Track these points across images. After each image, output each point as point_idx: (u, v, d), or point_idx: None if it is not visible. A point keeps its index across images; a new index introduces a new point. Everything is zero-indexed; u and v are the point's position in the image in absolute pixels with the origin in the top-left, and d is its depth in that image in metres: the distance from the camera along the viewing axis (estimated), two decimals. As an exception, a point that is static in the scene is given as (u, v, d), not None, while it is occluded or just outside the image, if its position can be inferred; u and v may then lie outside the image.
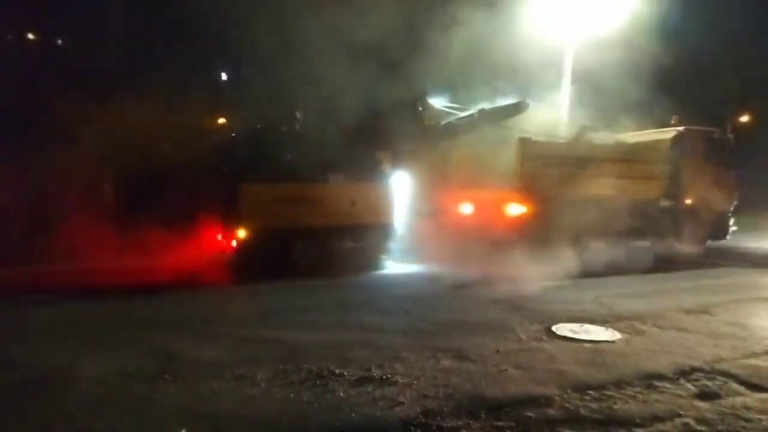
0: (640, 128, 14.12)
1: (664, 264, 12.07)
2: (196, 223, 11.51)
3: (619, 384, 4.72)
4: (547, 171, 11.54)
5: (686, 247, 13.39)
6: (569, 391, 4.55)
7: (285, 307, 7.94)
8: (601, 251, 11.27)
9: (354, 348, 5.64)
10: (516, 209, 11.56)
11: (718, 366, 5.23)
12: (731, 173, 14.05)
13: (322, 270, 10.36)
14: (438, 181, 12.23)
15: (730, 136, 14.30)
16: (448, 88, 13.22)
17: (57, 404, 4.27)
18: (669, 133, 13.49)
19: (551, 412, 4.16)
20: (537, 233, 11.04)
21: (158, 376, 4.81)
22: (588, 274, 10.22)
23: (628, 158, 12.49)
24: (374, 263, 11.33)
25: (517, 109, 12.95)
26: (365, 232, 11.23)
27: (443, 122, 12.55)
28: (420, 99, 12.40)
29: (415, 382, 4.72)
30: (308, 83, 12.30)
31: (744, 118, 25.43)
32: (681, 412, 4.17)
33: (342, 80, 11.54)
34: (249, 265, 10.16)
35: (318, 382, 4.69)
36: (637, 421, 4.01)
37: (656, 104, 14.20)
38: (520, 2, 14.75)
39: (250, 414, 4.10)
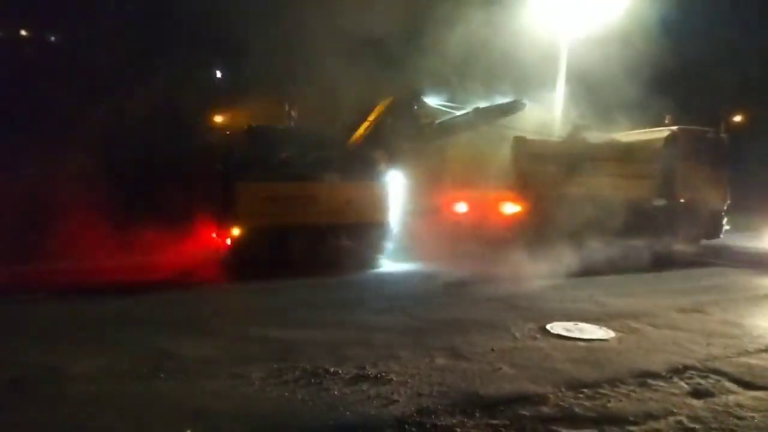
0: (635, 127, 14.17)
1: (658, 262, 12.11)
2: (191, 222, 11.48)
3: (613, 382, 4.73)
4: (541, 170, 11.57)
5: (680, 246, 13.46)
6: (563, 389, 4.56)
7: (280, 305, 7.93)
8: (595, 250, 11.30)
9: (349, 346, 5.64)
10: (511, 208, 11.59)
11: (711, 364, 5.25)
12: (725, 172, 14.13)
13: (318, 268, 10.35)
14: (433, 179, 12.24)
15: (723, 135, 14.39)
16: (445, 87, 13.23)
17: (51, 403, 4.26)
18: (663, 132, 13.55)
19: (545, 410, 4.17)
20: (532, 232, 11.08)
21: (153, 375, 4.80)
22: (582, 272, 10.23)
23: (623, 157, 12.55)
24: (369, 262, 11.33)
25: (512, 108, 12.97)
26: (361, 231, 11.22)
27: (439, 121, 12.56)
28: (416, 97, 12.40)
29: (409, 380, 4.73)
30: (304, 81, 12.30)
31: (737, 118, 25.55)
32: (674, 410, 4.19)
33: (338, 78, 11.54)
34: (244, 264, 10.15)
35: (313, 381, 4.68)
36: (631, 419, 4.03)
37: (650, 103, 14.25)
38: (515, 1, 14.78)
39: (244, 412, 4.10)
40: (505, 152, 11.78)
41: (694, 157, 13.33)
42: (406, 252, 11.76)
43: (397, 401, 4.28)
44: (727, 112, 21.81)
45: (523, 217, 11.39)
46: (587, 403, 4.29)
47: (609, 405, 4.28)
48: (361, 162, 11.45)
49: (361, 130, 11.88)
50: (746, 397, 4.50)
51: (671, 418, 4.06)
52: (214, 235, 10.97)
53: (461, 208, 12.88)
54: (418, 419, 3.97)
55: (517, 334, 6.26)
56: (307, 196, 10.68)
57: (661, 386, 4.69)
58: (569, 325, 6.67)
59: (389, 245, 11.68)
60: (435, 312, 7.41)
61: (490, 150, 12.02)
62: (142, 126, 12.59)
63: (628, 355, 5.57)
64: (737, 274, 11.00)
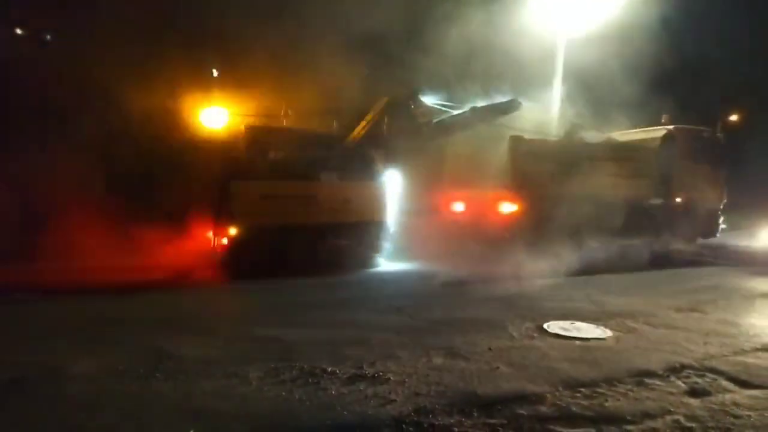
0: (632, 126, 14.20)
1: (655, 262, 12.15)
2: (188, 221, 11.45)
3: (610, 381, 4.74)
4: (539, 169, 11.58)
5: (677, 245, 13.50)
6: (561, 388, 4.57)
7: (277, 305, 7.93)
8: (592, 249, 11.33)
9: (346, 346, 5.63)
10: (508, 207, 11.60)
11: (708, 363, 5.27)
12: (721, 172, 14.18)
13: (315, 268, 10.35)
14: (431, 179, 12.25)
15: (720, 134, 14.43)
16: (442, 86, 13.24)
17: (49, 403, 4.24)
18: (659, 131, 13.58)
19: (543, 409, 4.18)
20: (529, 231, 11.09)
21: (150, 375, 4.78)
22: (579, 271, 10.26)
23: (620, 156, 12.57)
24: (367, 261, 11.33)
25: (509, 107, 12.99)
26: (358, 230, 11.22)
27: (436, 120, 12.56)
28: (413, 97, 12.40)
29: (407, 379, 4.72)
30: (301, 80, 12.28)
31: (734, 117, 25.61)
32: (671, 409, 4.20)
33: (335, 78, 11.53)
34: (241, 263, 10.13)
35: (310, 380, 4.68)
36: (628, 418, 4.04)
37: (648, 102, 14.28)
38: (513, 0, 14.80)
39: (241, 412, 4.09)
40: (503, 151, 11.78)
41: (691, 157, 13.37)
42: (403, 251, 11.76)
43: (395, 401, 4.28)
44: (723, 111, 21.88)
45: (521, 217, 11.40)
46: (584, 402, 4.30)
47: (606, 404, 4.28)
48: (359, 161, 11.44)
49: (358, 130, 11.88)
50: (743, 395, 4.51)
51: (668, 417, 4.07)
52: (210, 234, 10.95)
53: (459, 207, 12.89)
54: (415, 419, 3.97)
55: (515, 334, 6.27)
56: (304, 196, 10.67)
57: (659, 385, 4.70)
58: (566, 324, 6.68)
59: (387, 245, 11.69)
60: (432, 311, 7.41)
61: (487, 149, 12.03)
62: (138, 125, 12.54)
63: (626, 354, 5.58)
64: (734, 273, 11.04)
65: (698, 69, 24.19)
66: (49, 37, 13.95)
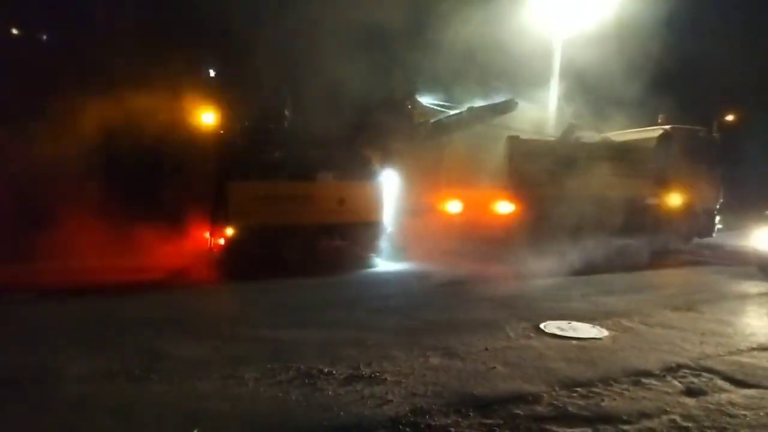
0: (628, 126, 14.23)
1: (651, 261, 12.17)
2: (185, 221, 11.42)
3: (607, 381, 4.75)
4: (535, 169, 11.60)
5: (673, 245, 13.53)
6: (557, 388, 4.57)
7: (273, 305, 7.91)
8: (589, 249, 11.34)
9: (343, 346, 5.63)
10: (505, 207, 11.61)
11: (703, 363, 5.28)
12: (717, 171, 14.21)
13: (311, 268, 10.34)
14: (428, 179, 12.24)
15: (716, 134, 14.47)
16: (439, 86, 13.24)
17: (43, 404, 4.23)
18: (656, 131, 13.61)
19: (539, 409, 4.18)
20: (525, 231, 11.10)
21: (145, 376, 4.77)
22: (576, 271, 10.27)
23: (616, 156, 12.59)
24: (364, 261, 11.32)
25: (506, 107, 13.01)
26: (354, 231, 11.22)
27: (433, 120, 12.56)
28: (410, 97, 12.40)
29: (403, 380, 4.72)
30: (298, 80, 12.26)
31: (730, 117, 25.67)
32: (667, 409, 4.20)
33: (331, 77, 11.51)
34: (237, 264, 10.11)
35: (306, 381, 4.67)
36: (625, 417, 4.04)
37: (644, 102, 14.31)
38: (509, 0, 14.80)
39: (237, 413, 4.08)
40: (500, 151, 11.79)
41: (687, 156, 13.40)
42: (400, 252, 11.76)
43: (392, 401, 4.28)
44: (720, 111, 21.94)
45: (517, 217, 11.41)
46: (581, 402, 4.30)
47: (603, 404, 4.29)
48: (355, 161, 11.43)
49: (355, 130, 11.86)
50: (738, 395, 4.52)
51: (664, 417, 4.07)
52: (207, 234, 10.93)
53: (455, 207, 12.89)
54: (412, 419, 3.97)
55: (511, 334, 6.27)
56: (300, 196, 10.66)
57: (655, 385, 4.70)
58: (563, 324, 6.69)
59: (383, 245, 11.68)
60: (429, 311, 7.40)
61: (484, 149, 12.05)
62: (137, 125, 12.51)
63: (622, 353, 5.59)
64: (730, 273, 11.06)
65: (695, 69, 24.23)
66: (45, 37, 13.92)
